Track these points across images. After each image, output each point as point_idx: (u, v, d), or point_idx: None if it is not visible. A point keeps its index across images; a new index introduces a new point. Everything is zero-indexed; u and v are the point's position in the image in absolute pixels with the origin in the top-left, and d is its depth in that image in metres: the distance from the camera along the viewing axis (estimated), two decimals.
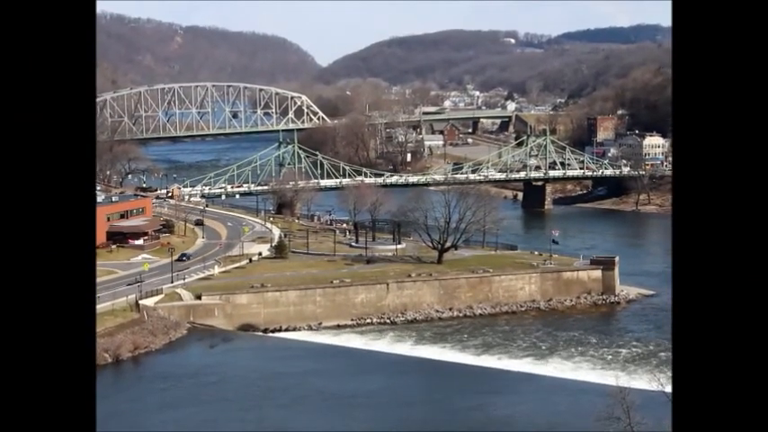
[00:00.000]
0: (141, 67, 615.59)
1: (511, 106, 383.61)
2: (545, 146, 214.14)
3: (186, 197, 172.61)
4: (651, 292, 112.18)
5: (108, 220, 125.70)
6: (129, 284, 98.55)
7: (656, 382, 60.37)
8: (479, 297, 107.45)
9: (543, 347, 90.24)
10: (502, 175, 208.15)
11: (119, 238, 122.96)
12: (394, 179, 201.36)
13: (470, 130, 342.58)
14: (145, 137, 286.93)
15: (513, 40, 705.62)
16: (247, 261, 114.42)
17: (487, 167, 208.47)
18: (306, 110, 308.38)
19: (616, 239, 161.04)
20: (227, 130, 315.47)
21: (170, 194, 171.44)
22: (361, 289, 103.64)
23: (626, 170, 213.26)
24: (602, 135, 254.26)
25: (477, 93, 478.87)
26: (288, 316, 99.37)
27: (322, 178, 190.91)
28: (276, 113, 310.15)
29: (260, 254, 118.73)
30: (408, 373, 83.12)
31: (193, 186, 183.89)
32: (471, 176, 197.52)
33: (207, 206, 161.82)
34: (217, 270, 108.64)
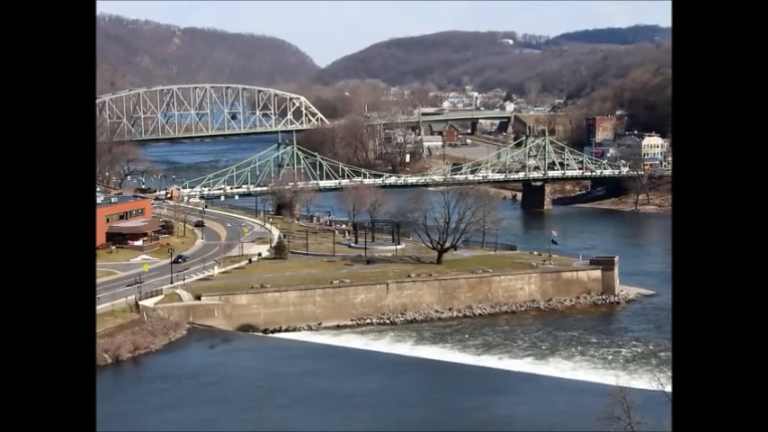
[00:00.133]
0: (140, 68, 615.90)
1: (509, 107, 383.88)
2: (544, 146, 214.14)
3: (185, 198, 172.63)
4: (651, 292, 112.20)
5: (107, 221, 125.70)
6: (128, 285, 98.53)
7: (656, 381, 60.31)
8: (479, 297, 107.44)
9: (543, 347, 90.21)
10: (501, 176, 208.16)
11: (118, 239, 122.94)
12: (393, 180, 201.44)
13: (469, 131, 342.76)
14: (144, 138, 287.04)
15: (511, 41, 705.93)
16: (247, 262, 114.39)
17: (486, 168, 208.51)
18: (304, 111, 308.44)
19: (615, 239, 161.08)
20: (226, 132, 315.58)
21: (169, 195, 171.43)
22: (361, 289, 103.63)
23: (625, 170, 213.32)
24: (600, 135, 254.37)
25: (476, 93, 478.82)
26: (287, 316, 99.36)
27: (321, 179, 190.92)
28: (275, 114, 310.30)
29: (259, 254, 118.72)
30: (408, 374, 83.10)
31: (192, 187, 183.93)
32: (470, 177, 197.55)
33: (206, 207, 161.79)
34: (216, 271, 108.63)
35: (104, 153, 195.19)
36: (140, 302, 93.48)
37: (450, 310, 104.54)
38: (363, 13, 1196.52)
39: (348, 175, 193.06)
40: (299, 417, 69.43)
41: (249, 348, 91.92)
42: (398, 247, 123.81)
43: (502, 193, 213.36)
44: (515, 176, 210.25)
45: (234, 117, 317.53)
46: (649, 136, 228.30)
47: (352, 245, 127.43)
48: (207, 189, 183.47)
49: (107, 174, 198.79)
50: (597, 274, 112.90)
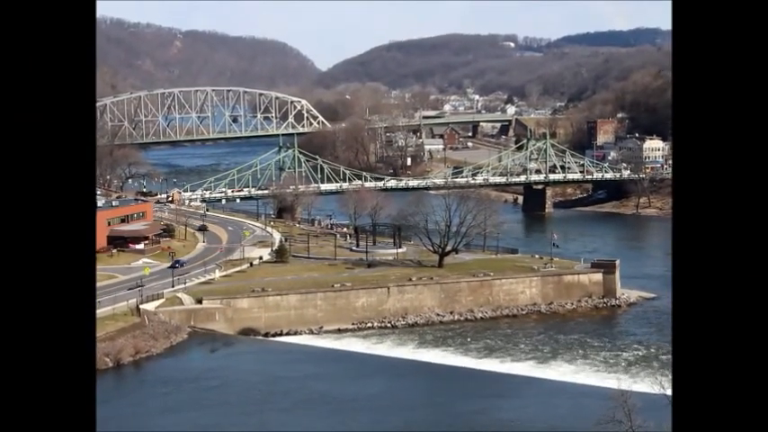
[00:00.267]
0: (141, 71, 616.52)
1: (511, 110, 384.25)
2: (545, 149, 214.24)
3: (186, 201, 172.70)
4: (652, 295, 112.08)
5: (108, 224, 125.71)
6: (129, 289, 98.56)
7: (657, 384, 60.22)
8: (480, 301, 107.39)
9: (545, 351, 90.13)
10: (502, 179, 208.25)
11: (119, 242, 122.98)
12: (394, 183, 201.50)
13: (470, 134, 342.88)
14: (145, 141, 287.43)
15: (512, 44, 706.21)
16: (248, 265, 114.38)
17: (487, 171, 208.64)
18: (306, 114, 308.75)
19: (616, 243, 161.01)
20: (227, 135, 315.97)
21: (170, 199, 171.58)
22: (362, 293, 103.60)
23: (626, 173, 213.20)
24: (602, 138, 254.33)
25: (477, 97, 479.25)
26: (289, 320, 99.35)
27: (322, 182, 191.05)
28: (276, 118, 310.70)
29: (261, 258, 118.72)
30: (409, 377, 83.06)
31: (194, 191, 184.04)
32: (471, 180, 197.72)
33: (207, 210, 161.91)
34: (218, 274, 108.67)
35: (105, 156, 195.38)
36: (141, 306, 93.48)
37: (451, 313, 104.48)
38: (364, 16, 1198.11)
39: (349, 179, 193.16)
40: (300, 420, 69.40)
41: (250, 352, 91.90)
42: (400, 250, 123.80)
43: (503, 196, 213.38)
44: (516, 180, 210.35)
45: (235, 120, 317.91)
46: (650, 139, 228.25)
47: (354, 248, 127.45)
48: (208, 192, 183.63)
49: (108, 177, 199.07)
50: (598, 277, 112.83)
